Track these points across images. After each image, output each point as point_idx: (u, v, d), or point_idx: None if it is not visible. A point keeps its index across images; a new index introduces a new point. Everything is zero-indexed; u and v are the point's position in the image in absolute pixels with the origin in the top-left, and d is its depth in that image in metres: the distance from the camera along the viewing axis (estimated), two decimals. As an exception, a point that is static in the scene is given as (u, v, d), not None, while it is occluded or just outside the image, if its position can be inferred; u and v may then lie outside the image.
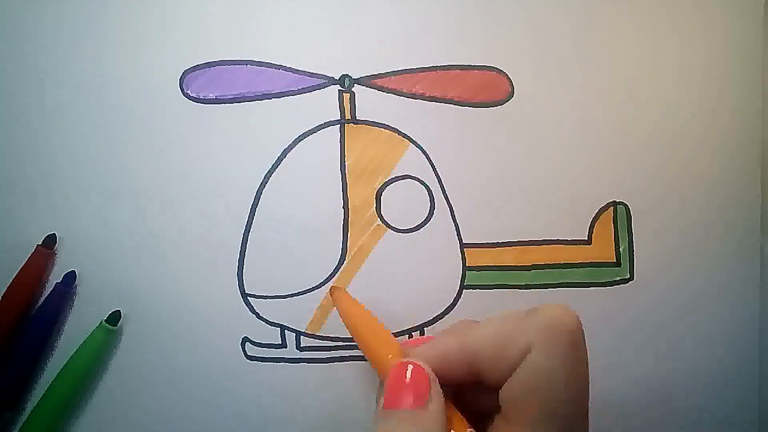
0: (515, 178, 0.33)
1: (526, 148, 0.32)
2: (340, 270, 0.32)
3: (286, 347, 0.33)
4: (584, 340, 0.23)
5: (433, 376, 0.24)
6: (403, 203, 0.32)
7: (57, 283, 0.32)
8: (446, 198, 0.32)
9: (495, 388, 0.23)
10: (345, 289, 0.32)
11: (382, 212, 0.32)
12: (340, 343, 0.33)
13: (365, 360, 0.32)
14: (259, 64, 0.32)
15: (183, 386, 0.32)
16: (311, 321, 0.33)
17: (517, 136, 0.32)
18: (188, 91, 0.32)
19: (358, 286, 0.32)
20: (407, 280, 0.32)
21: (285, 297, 0.32)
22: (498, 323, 0.24)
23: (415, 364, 0.24)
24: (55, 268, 0.32)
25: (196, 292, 0.32)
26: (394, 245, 0.32)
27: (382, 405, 0.23)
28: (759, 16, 0.32)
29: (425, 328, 0.33)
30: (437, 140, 0.32)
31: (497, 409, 0.23)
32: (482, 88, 0.32)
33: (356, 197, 0.32)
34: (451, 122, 0.32)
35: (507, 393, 0.23)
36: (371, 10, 0.32)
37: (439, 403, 0.23)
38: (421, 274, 0.32)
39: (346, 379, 0.33)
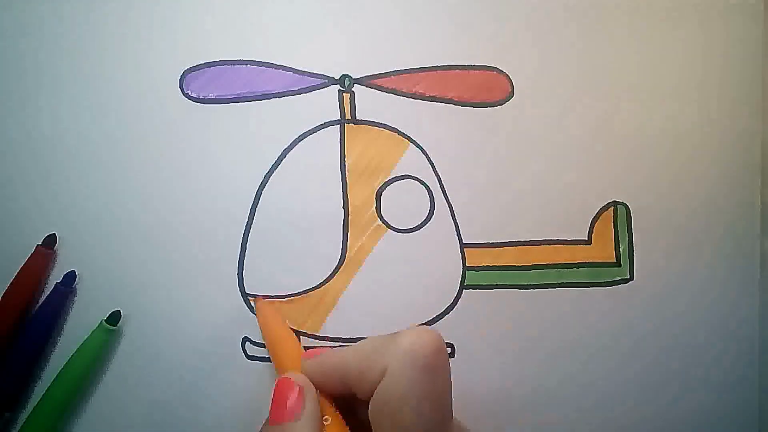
0: (515, 178, 0.33)
1: (526, 148, 0.32)
2: (340, 270, 0.32)
3: (286, 347, 0.33)
4: (443, 364, 0.23)
5: (309, 388, 0.25)
6: (403, 203, 0.32)
7: (57, 283, 0.32)
8: (446, 198, 0.32)
9: (366, 405, 0.24)
10: (266, 300, 0.32)
11: (382, 212, 0.32)
12: (340, 344, 0.33)
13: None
14: (259, 64, 0.32)
15: (183, 386, 0.32)
16: (311, 321, 0.33)
17: (517, 136, 0.32)
18: (188, 91, 0.32)
19: (358, 286, 0.32)
20: (407, 280, 0.32)
21: (285, 297, 0.32)
22: (368, 343, 0.25)
23: (289, 379, 0.26)
24: (55, 268, 0.32)
25: (196, 292, 0.32)
26: (394, 245, 0.32)
27: (266, 420, 0.25)
28: (759, 17, 0.32)
29: (425, 328, 0.33)
30: (437, 140, 0.32)
31: None
32: (482, 88, 0.32)
33: (356, 197, 0.32)
34: (451, 122, 0.32)
35: (370, 409, 0.24)
36: (371, 10, 0.32)
37: (311, 415, 0.24)
38: (421, 274, 0.32)
39: (346, 379, 0.33)
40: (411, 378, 0.22)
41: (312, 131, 0.32)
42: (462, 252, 0.33)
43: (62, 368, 0.31)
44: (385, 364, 0.23)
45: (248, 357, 0.32)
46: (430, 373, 0.23)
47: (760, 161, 0.33)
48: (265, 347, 0.32)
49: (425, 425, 0.23)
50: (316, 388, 0.26)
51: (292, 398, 0.25)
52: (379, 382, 0.23)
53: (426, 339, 0.23)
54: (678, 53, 0.32)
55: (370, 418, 0.24)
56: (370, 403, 0.24)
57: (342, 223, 0.32)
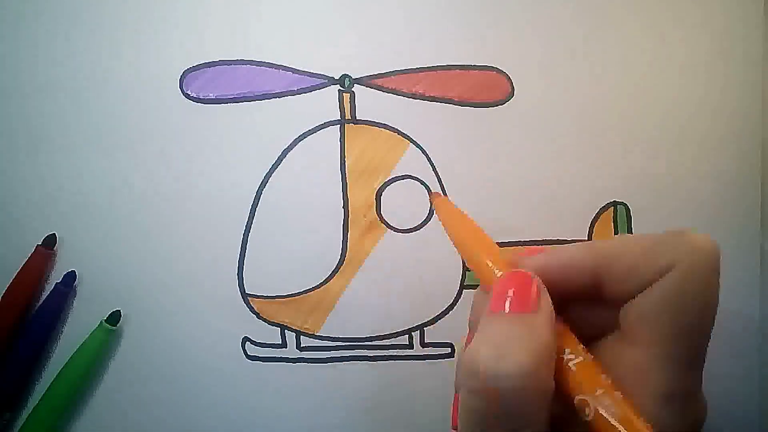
0: (515, 178, 0.32)
1: (526, 148, 0.32)
2: (340, 270, 0.32)
3: (286, 347, 0.33)
4: (719, 273, 0.22)
5: (543, 287, 0.22)
6: (403, 203, 0.32)
7: (57, 283, 0.32)
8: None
9: (615, 305, 0.22)
10: (447, 198, 0.31)
11: (382, 212, 0.32)
12: (340, 343, 0.33)
13: (365, 360, 0.33)
14: (259, 64, 0.32)
15: (183, 386, 0.32)
16: (311, 321, 0.33)
17: (517, 136, 0.32)
18: (188, 91, 0.32)
19: (358, 286, 0.32)
20: (407, 280, 0.32)
21: (285, 297, 0.32)
22: (636, 238, 0.22)
23: (526, 273, 0.23)
24: (55, 268, 0.32)
25: (196, 292, 0.32)
26: (394, 245, 0.32)
27: (488, 307, 0.22)
28: (759, 16, 0.32)
29: (425, 328, 0.33)
30: (437, 140, 0.32)
31: (609, 329, 0.22)
32: (482, 88, 0.32)
33: (356, 197, 0.32)
34: (451, 122, 0.32)
35: (634, 309, 0.21)
36: (371, 11, 0.32)
37: (549, 311, 0.22)
38: (421, 274, 0.32)
39: (346, 379, 0.33)
40: (703, 278, 0.21)
41: (312, 131, 0.32)
42: (462, 252, 0.33)
43: (62, 368, 0.31)
44: (671, 260, 0.21)
45: (248, 357, 0.32)
46: (717, 275, 0.21)
47: (760, 161, 0.33)
48: (264, 347, 0.32)
49: (703, 330, 0.21)
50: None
51: (533, 290, 0.22)
52: (657, 278, 0.21)
53: (711, 242, 0.21)
54: (678, 53, 0.32)
55: (626, 321, 0.22)
56: (634, 302, 0.21)
57: (342, 223, 0.32)
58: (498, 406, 0.20)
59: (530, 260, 0.23)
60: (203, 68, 0.32)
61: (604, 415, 0.20)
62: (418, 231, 0.32)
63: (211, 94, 0.32)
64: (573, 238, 0.33)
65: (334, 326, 0.32)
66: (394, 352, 0.33)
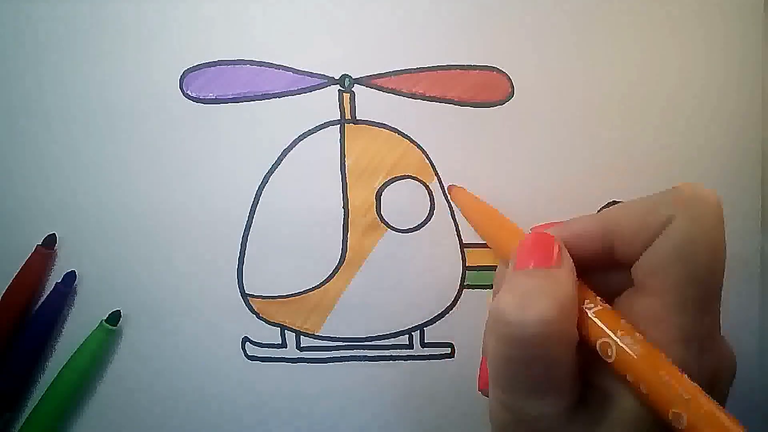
0: (515, 178, 0.32)
1: (526, 148, 0.32)
2: (340, 270, 0.32)
3: (286, 347, 0.33)
4: (723, 218, 0.22)
5: (563, 246, 0.24)
6: (403, 203, 0.32)
7: (57, 283, 0.32)
8: (446, 198, 0.32)
9: (627, 264, 0.23)
10: (464, 188, 0.32)
11: (382, 212, 0.32)
12: (340, 343, 0.33)
13: (365, 360, 0.33)
14: (259, 64, 0.32)
15: (183, 386, 0.32)
16: (311, 321, 0.33)
17: (517, 136, 0.32)
18: (188, 91, 0.32)
19: (358, 286, 0.32)
20: (407, 280, 0.32)
21: (285, 297, 0.32)
22: (636, 201, 0.24)
23: (547, 233, 0.24)
24: (55, 268, 0.32)
25: (196, 292, 0.32)
26: (394, 245, 0.32)
27: (512, 266, 0.24)
28: (759, 16, 0.32)
29: (425, 328, 0.33)
30: (437, 140, 0.32)
31: (625, 287, 0.23)
32: (482, 88, 0.32)
33: (356, 197, 0.32)
34: (451, 122, 0.32)
35: (644, 264, 0.22)
36: (371, 10, 0.32)
37: (570, 266, 0.23)
38: (421, 274, 0.32)
39: (346, 379, 0.33)
40: (703, 223, 0.22)
41: (312, 131, 0.32)
42: (462, 252, 0.33)
43: (62, 368, 0.31)
44: (671, 213, 0.22)
45: (248, 357, 0.32)
46: (719, 220, 0.22)
47: (760, 161, 0.33)
48: (264, 347, 0.32)
49: (713, 273, 0.22)
50: None
51: (554, 247, 0.23)
52: (660, 231, 0.22)
53: (710, 191, 0.22)
54: (678, 53, 0.32)
55: (638, 276, 0.23)
56: (643, 256, 0.22)
57: (342, 223, 0.32)
58: (524, 353, 0.21)
59: (550, 230, 0.25)
60: (203, 68, 0.32)
61: (627, 352, 0.21)
62: (418, 231, 0.32)
63: (211, 94, 0.32)
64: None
65: (334, 326, 0.33)
66: (394, 352, 0.33)
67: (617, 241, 0.23)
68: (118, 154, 0.32)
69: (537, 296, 0.21)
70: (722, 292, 0.33)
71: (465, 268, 0.33)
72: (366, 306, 0.32)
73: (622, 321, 0.22)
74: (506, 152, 0.32)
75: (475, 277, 0.33)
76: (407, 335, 0.33)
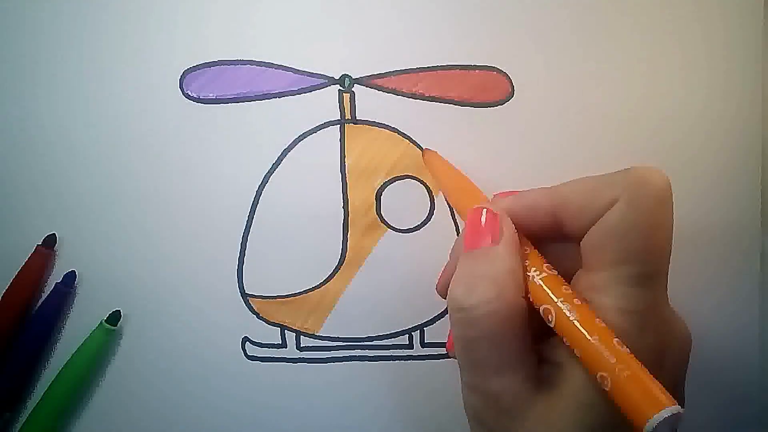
0: (515, 178, 0.32)
1: (526, 148, 0.32)
2: (340, 270, 0.32)
3: (286, 347, 0.33)
4: (671, 201, 0.24)
5: (504, 215, 0.25)
6: (403, 203, 0.32)
7: (57, 283, 0.32)
8: (446, 198, 0.32)
9: (577, 239, 0.24)
10: (437, 153, 0.32)
11: (382, 212, 0.32)
12: (340, 343, 0.33)
13: (365, 360, 0.33)
14: (259, 64, 0.32)
15: (183, 386, 0.32)
16: (311, 321, 0.33)
17: (517, 136, 0.32)
18: (188, 91, 0.32)
19: (358, 286, 0.32)
20: (407, 280, 0.32)
21: (285, 297, 0.32)
22: (587, 179, 0.25)
23: (487, 208, 0.26)
24: (55, 268, 0.32)
25: (196, 292, 0.32)
26: (394, 245, 0.32)
27: (462, 248, 0.26)
28: (759, 16, 0.32)
29: (425, 328, 0.33)
30: (437, 140, 0.32)
31: (578, 264, 0.25)
32: (482, 88, 0.32)
33: (356, 197, 0.32)
34: (451, 122, 0.32)
35: (588, 240, 0.24)
36: (371, 10, 0.32)
37: (510, 239, 0.25)
38: (421, 274, 0.32)
39: (346, 379, 0.33)
40: (645, 206, 0.23)
41: (312, 131, 0.32)
42: (462, 252, 0.33)
43: (62, 368, 0.31)
44: (615, 195, 0.23)
45: (248, 357, 0.32)
46: (662, 203, 0.23)
47: (760, 161, 0.33)
48: (264, 347, 0.32)
49: (654, 254, 0.23)
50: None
51: (488, 222, 0.25)
52: (604, 212, 0.23)
53: (658, 174, 0.23)
54: (678, 53, 0.32)
55: (584, 251, 0.24)
56: (588, 233, 0.24)
57: (342, 223, 0.32)
58: (476, 333, 0.23)
59: (500, 202, 0.27)
60: (203, 68, 0.32)
61: (564, 316, 0.22)
62: (418, 231, 0.32)
63: (211, 94, 0.32)
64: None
65: (334, 326, 0.33)
66: (394, 352, 0.33)
67: (565, 217, 0.25)
68: (118, 154, 0.32)
69: (478, 279, 0.24)
70: (722, 292, 0.33)
71: (465, 268, 0.33)
72: (366, 306, 0.32)
73: (564, 287, 0.23)
74: (506, 152, 0.32)
75: (475, 277, 0.32)
76: (407, 335, 0.33)
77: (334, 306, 0.32)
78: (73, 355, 0.31)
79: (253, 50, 0.32)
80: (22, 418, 0.31)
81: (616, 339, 0.21)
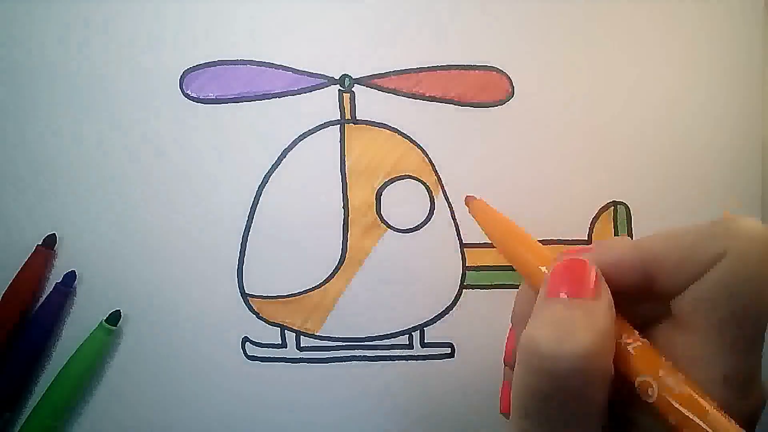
0: (515, 178, 0.32)
1: (526, 148, 0.32)
2: (340, 270, 0.32)
3: (286, 347, 0.33)
4: None
5: (601, 275, 0.22)
6: (403, 203, 0.32)
7: (57, 283, 0.32)
8: (446, 198, 0.32)
9: (667, 296, 0.22)
10: (482, 199, 0.30)
11: (382, 212, 0.32)
12: (340, 343, 0.33)
13: (365, 360, 0.33)
14: (259, 64, 0.32)
15: (183, 386, 0.32)
16: (311, 321, 0.33)
17: (517, 136, 0.32)
18: (188, 91, 0.32)
19: (358, 286, 0.32)
20: (407, 280, 0.32)
21: (285, 297, 0.32)
22: (679, 231, 0.22)
23: (584, 260, 0.23)
24: (55, 268, 0.32)
25: (196, 292, 0.32)
26: (394, 245, 0.32)
27: (544, 293, 0.22)
28: (759, 16, 0.32)
29: (425, 328, 0.33)
30: (437, 140, 0.32)
31: (660, 319, 0.23)
32: (482, 88, 0.32)
33: (356, 197, 0.32)
34: (451, 122, 0.32)
35: (688, 299, 0.22)
36: (371, 11, 0.32)
37: (608, 297, 0.22)
38: (421, 274, 0.32)
39: (346, 379, 0.33)
40: (757, 262, 0.21)
41: (312, 131, 0.32)
42: (462, 252, 0.33)
43: (62, 368, 0.31)
44: (720, 249, 0.21)
45: (248, 357, 0.32)
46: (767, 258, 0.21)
47: (760, 161, 0.33)
48: (264, 347, 0.32)
49: (761, 315, 0.21)
50: None
51: (591, 276, 0.22)
52: (708, 268, 0.21)
53: (760, 225, 0.21)
54: (678, 53, 0.32)
55: (679, 310, 0.22)
56: (687, 291, 0.22)
57: (342, 223, 0.32)
58: (557, 387, 0.20)
59: (582, 257, 0.23)
60: (203, 68, 0.32)
61: (670, 392, 0.20)
62: (418, 231, 0.32)
63: (211, 94, 0.32)
64: (573, 237, 0.33)
65: (334, 326, 0.32)
66: (394, 352, 0.33)
67: (659, 274, 0.22)
68: (119, 154, 0.32)
69: (575, 329, 0.20)
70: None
71: (465, 268, 0.33)
72: (366, 306, 0.32)
73: (662, 359, 0.21)
74: (506, 152, 0.32)
75: (475, 277, 0.33)
76: (407, 335, 0.33)
77: (334, 306, 0.32)
78: (73, 355, 0.31)
79: (253, 50, 0.32)
80: (22, 418, 0.31)
81: (726, 415, 0.20)
